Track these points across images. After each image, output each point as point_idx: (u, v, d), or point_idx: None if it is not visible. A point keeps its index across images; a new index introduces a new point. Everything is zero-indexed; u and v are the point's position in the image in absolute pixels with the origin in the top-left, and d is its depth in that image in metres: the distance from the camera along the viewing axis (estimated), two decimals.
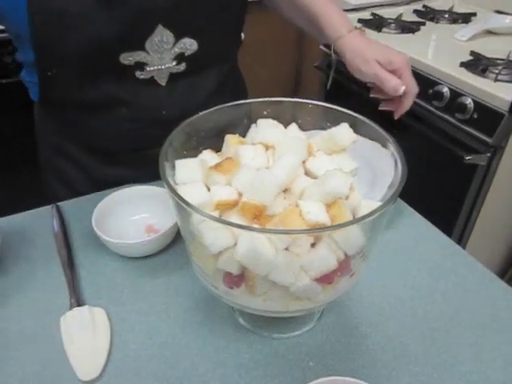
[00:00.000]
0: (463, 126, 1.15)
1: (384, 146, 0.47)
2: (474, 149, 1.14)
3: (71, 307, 0.52)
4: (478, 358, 0.48)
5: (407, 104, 0.64)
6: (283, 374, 0.46)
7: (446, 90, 1.18)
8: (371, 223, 0.39)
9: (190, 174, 0.42)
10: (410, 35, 1.44)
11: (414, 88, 0.64)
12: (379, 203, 0.39)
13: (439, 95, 1.19)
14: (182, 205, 0.36)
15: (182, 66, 0.65)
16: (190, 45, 0.64)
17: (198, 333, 0.50)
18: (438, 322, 0.52)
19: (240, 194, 0.40)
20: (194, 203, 0.36)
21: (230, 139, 0.46)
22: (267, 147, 0.45)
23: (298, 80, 2.10)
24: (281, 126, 0.48)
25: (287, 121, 0.50)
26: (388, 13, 1.60)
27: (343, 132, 0.46)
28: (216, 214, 0.40)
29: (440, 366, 0.47)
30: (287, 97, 0.52)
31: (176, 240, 0.60)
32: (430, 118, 1.24)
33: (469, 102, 1.12)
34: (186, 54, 0.65)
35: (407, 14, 1.61)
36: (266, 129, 0.47)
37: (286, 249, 0.37)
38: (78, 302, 0.53)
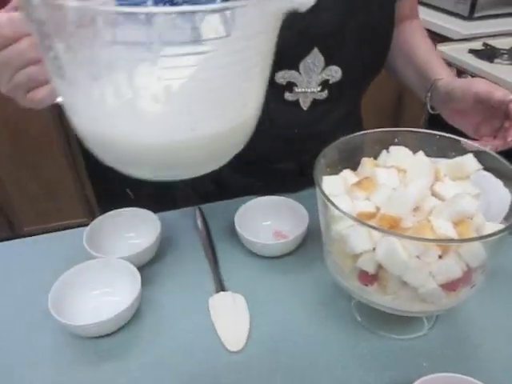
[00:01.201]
0: None
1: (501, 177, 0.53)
2: None
3: (217, 291, 0.63)
4: None
5: None
6: (399, 368, 0.53)
7: None
8: (493, 242, 0.45)
9: (335, 188, 0.51)
10: None
11: None
12: (502, 225, 0.45)
13: None
14: (335, 211, 0.45)
15: (325, 93, 0.73)
16: (335, 72, 0.71)
17: (321, 325, 0.59)
18: None
19: (378, 208, 0.48)
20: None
21: (367, 162, 0.55)
22: (399, 170, 0.53)
23: (401, 103, 2.13)
24: (410, 153, 0.56)
25: (414, 148, 0.57)
26: (501, 43, 1.59)
27: (469, 161, 0.52)
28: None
29: None
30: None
31: (302, 245, 0.70)
32: None
33: None
34: (330, 82, 0.72)
35: None
36: (398, 154, 0.55)
37: (418, 257, 0.44)
38: (222, 287, 0.64)
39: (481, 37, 1.66)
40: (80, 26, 0.33)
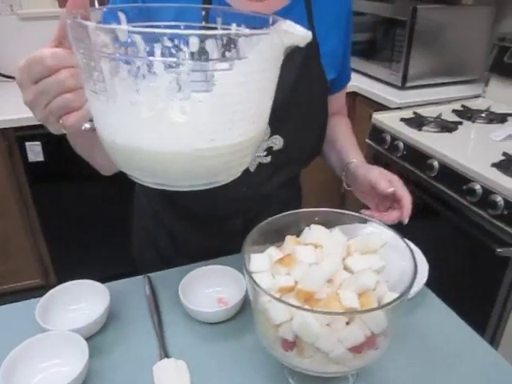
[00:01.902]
0: (495, 221, 1.27)
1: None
2: (505, 242, 1.25)
3: (161, 358, 0.68)
4: None
5: (406, 208, 0.79)
6: None
7: (478, 187, 1.32)
8: (393, 309, 0.53)
9: (261, 265, 0.59)
10: (448, 134, 1.61)
11: (407, 197, 0.79)
12: (397, 295, 0.54)
13: (472, 192, 1.33)
14: (257, 289, 0.52)
15: (269, 158, 0.84)
16: (278, 141, 0.84)
17: None
18: None
19: (296, 282, 0.56)
20: (264, 287, 0.53)
21: (290, 239, 0.64)
22: (316, 246, 0.62)
23: None
24: (327, 231, 0.65)
25: (332, 224, 0.67)
26: (429, 111, 1.79)
27: (374, 238, 0.62)
28: (278, 295, 0.56)
29: None
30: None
31: (241, 311, 0.76)
32: (465, 211, 1.37)
33: (499, 199, 1.25)
34: (274, 149, 0.84)
35: (447, 113, 1.78)
36: (316, 232, 0.64)
37: (328, 325, 0.52)
38: (166, 354, 0.69)
39: (412, 106, 1.85)
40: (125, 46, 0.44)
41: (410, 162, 1.60)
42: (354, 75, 2.21)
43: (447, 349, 0.71)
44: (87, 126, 0.54)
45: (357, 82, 2.07)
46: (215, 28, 0.56)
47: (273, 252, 0.62)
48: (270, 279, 0.57)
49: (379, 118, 1.75)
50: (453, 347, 0.71)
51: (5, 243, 2.00)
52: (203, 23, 0.58)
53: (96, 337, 0.72)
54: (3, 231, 1.97)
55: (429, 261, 0.83)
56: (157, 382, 0.65)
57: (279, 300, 0.51)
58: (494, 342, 1.37)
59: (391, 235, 0.63)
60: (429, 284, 0.82)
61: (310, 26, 0.83)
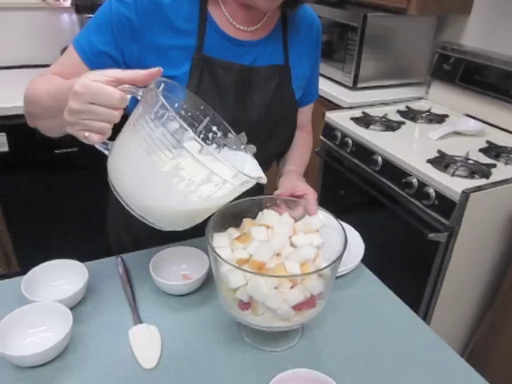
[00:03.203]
0: (428, 210, 1.45)
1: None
2: (436, 228, 1.43)
3: (135, 324, 0.79)
4: None
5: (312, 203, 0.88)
6: (273, 372, 0.72)
7: (414, 180, 1.49)
8: (325, 276, 0.67)
9: (222, 242, 0.71)
10: (392, 132, 1.78)
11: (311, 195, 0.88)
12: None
13: (409, 184, 1.50)
14: (219, 260, 0.65)
15: None
16: (252, 148, 0.95)
17: (217, 346, 0.77)
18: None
19: (251, 255, 0.69)
20: (224, 258, 0.65)
21: (246, 221, 0.76)
22: (268, 227, 0.75)
23: None
24: (277, 215, 0.78)
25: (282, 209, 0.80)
26: (376, 111, 1.96)
27: (314, 220, 0.76)
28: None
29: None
30: None
31: (203, 285, 0.88)
32: (403, 202, 1.55)
33: (431, 191, 1.43)
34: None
35: (392, 113, 1.96)
36: (268, 216, 0.77)
37: (276, 288, 0.65)
38: (140, 320, 0.80)
39: (361, 105, 2.01)
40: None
41: (358, 157, 1.77)
42: None
43: (378, 316, 0.86)
44: (102, 147, 0.67)
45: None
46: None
47: (232, 231, 0.75)
48: (230, 253, 0.69)
49: (331, 116, 1.91)
50: (382, 314, 0.86)
51: None
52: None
53: (76, 308, 0.82)
54: None
55: (371, 245, 0.98)
56: (133, 343, 0.76)
57: (237, 267, 0.64)
58: (426, 318, 1.56)
59: (327, 216, 0.77)
60: (370, 266, 0.97)
61: (285, 52, 0.97)
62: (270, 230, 0.75)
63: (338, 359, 0.75)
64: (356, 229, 1.02)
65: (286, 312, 0.66)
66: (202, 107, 0.79)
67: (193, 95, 0.79)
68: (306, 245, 0.69)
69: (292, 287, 0.66)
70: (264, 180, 0.73)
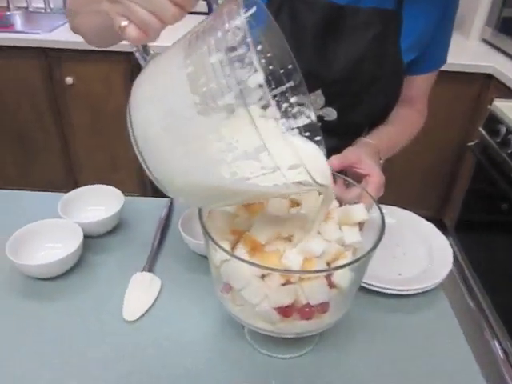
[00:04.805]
0: None
1: None
2: None
3: (143, 270, 0.73)
4: None
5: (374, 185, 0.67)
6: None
7: None
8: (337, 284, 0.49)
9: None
10: None
11: (377, 177, 0.67)
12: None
13: None
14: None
15: None
16: (331, 112, 0.79)
17: (211, 333, 0.65)
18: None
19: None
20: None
21: None
22: (295, 203, 0.59)
23: None
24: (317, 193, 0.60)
25: None
26: None
27: (357, 210, 0.56)
28: (232, 238, 0.55)
29: None
30: None
31: None
32: None
33: None
34: (325, 119, 0.79)
35: None
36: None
37: (262, 278, 0.50)
38: (150, 269, 0.73)
39: None
40: None
41: None
42: (491, 53, 1.93)
43: (430, 361, 0.63)
44: (139, 54, 0.49)
45: (493, 63, 1.80)
46: None
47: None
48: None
49: (500, 105, 1.52)
50: (436, 362, 0.63)
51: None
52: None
53: (103, 237, 0.80)
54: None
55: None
56: (128, 290, 0.70)
57: (214, 242, 0.50)
58: None
59: (378, 213, 0.56)
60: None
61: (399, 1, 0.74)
62: (296, 207, 0.58)
63: None
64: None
65: (265, 312, 0.51)
66: (290, 66, 0.54)
67: (281, 38, 0.52)
68: (317, 237, 0.51)
69: (284, 284, 0.50)
70: (330, 192, 0.51)
